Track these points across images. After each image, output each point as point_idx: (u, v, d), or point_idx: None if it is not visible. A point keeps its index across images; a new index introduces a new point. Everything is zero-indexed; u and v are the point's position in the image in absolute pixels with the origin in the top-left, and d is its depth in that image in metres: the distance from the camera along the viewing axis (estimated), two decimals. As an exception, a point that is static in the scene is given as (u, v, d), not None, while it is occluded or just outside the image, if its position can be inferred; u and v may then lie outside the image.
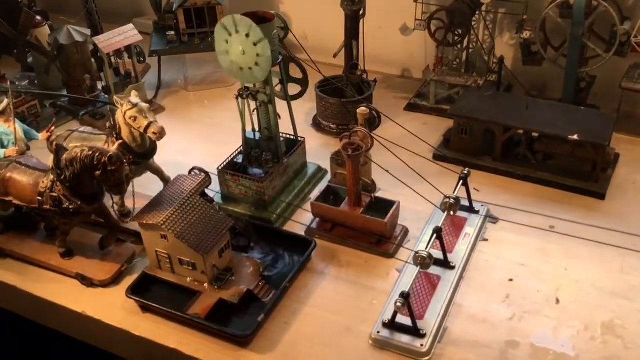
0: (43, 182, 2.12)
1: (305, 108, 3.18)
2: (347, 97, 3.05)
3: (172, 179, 2.39)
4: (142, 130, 2.17)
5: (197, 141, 3.06)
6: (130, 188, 2.29)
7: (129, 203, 2.45)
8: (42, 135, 2.43)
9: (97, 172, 2.00)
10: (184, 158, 2.90)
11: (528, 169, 2.63)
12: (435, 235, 2.13)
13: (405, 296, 1.90)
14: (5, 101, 2.36)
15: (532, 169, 2.62)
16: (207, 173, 2.27)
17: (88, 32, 3.16)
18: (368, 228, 2.30)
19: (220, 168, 2.49)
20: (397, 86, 3.44)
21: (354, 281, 2.22)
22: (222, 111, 3.26)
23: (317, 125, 3.09)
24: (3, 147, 2.33)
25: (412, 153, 2.44)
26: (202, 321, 2.03)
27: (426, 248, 2.05)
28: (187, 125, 3.19)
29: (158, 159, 2.89)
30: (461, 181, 2.37)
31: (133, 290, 2.16)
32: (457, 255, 2.25)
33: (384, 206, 2.35)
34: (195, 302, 2.10)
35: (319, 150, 2.87)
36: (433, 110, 3.13)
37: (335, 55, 3.04)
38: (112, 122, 2.24)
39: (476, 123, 2.65)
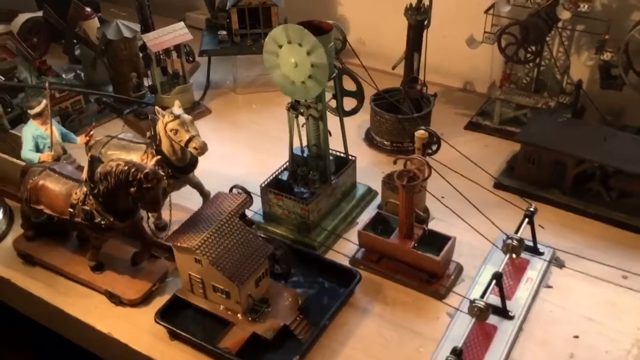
0: (76, 193, 2.00)
1: (358, 120, 2.97)
2: (403, 112, 2.84)
3: (211, 194, 2.25)
4: (183, 144, 2.02)
5: (242, 149, 2.90)
6: (167, 200, 2.16)
7: (165, 215, 2.31)
8: (80, 139, 2.31)
9: (132, 189, 1.87)
10: (227, 167, 2.76)
11: (601, 207, 2.37)
12: (494, 281, 1.92)
13: (457, 353, 1.70)
14: (44, 102, 2.23)
15: (605, 208, 2.37)
16: (248, 193, 2.11)
17: (137, 27, 3.03)
18: (419, 264, 2.11)
19: (263, 185, 2.32)
20: (458, 101, 3.21)
21: (399, 323, 2.02)
22: (270, 118, 3.09)
23: (369, 140, 2.90)
24: (38, 150, 2.21)
25: (469, 180, 2.22)
26: (232, 357, 1.87)
27: (483, 296, 1.85)
28: (232, 131, 3.04)
29: (200, 167, 2.77)
30: (526, 219, 2.14)
31: (162, 315, 2.01)
32: (517, 303, 2.03)
33: (438, 241, 2.14)
34: (227, 335, 1.95)
35: (369, 169, 2.68)
36: (496, 131, 2.89)
37: (394, 67, 2.84)
38: (152, 133, 2.10)
39: (545, 152, 2.41)
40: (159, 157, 1.91)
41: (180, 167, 2.14)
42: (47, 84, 2.25)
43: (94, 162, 1.92)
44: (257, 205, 2.34)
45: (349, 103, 2.40)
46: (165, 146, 2.09)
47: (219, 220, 1.98)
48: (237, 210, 2.03)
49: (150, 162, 1.89)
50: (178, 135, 2.02)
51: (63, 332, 2.26)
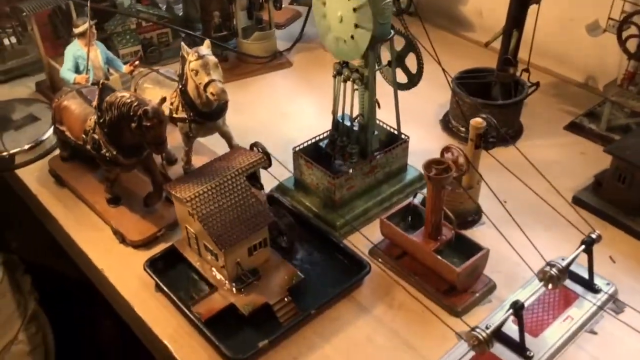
0: (91, 119, 1.93)
1: (441, 98, 2.65)
2: (492, 97, 2.48)
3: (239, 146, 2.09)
4: (201, 87, 1.87)
5: (307, 109, 2.70)
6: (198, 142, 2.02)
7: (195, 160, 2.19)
8: (125, 68, 2.24)
9: (133, 124, 1.75)
10: (282, 125, 2.60)
11: (696, 251, 1.90)
12: (512, 311, 1.58)
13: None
14: (86, 24, 2.17)
15: (701, 254, 1.89)
16: (267, 154, 1.91)
17: (232, -35, 2.90)
18: (438, 271, 1.80)
19: (296, 149, 2.11)
20: (569, 96, 2.75)
21: (397, 332, 1.75)
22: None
23: (445, 122, 2.56)
24: (78, 71, 2.17)
25: (548, 186, 1.85)
26: (200, 324, 1.72)
27: (490, 328, 1.53)
28: (305, 89, 2.85)
29: (250, 118, 2.63)
30: (583, 246, 1.75)
31: (152, 264, 1.91)
32: (543, 342, 1.67)
33: (470, 248, 1.82)
34: (205, 299, 1.80)
35: (431, 154, 2.35)
36: (600, 138, 2.43)
37: (487, 44, 2.47)
38: (181, 71, 1.96)
39: (639, 172, 1.96)
40: (163, 96, 1.76)
41: (204, 113, 1.99)
42: (89, 3, 2.16)
43: (105, 89, 1.83)
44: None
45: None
46: (190, 88, 1.95)
47: (223, 176, 1.81)
48: (247, 169, 1.85)
49: (154, 101, 1.75)
50: (198, 76, 1.87)
51: (71, 257, 2.24)
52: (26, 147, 2.42)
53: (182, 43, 1.92)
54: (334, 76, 2.00)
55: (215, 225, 1.74)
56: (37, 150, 2.42)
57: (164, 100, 1.76)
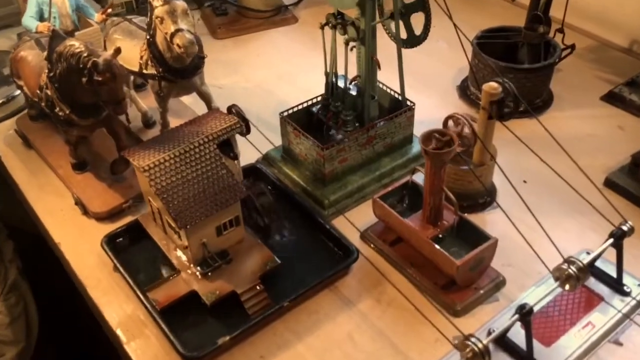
0: (45, 72, 1.68)
1: (461, 60, 2.32)
2: (519, 60, 2.16)
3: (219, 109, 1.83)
4: (167, 37, 1.61)
5: (308, 70, 2.40)
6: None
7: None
8: (97, 17, 1.98)
9: (84, 79, 1.50)
10: (278, 87, 2.34)
11: None
12: (518, 316, 1.30)
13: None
14: (51, -36, 1.92)
15: None
16: (244, 119, 1.64)
17: None
18: (435, 261, 1.53)
19: (284, 114, 1.84)
20: (610, 62, 2.41)
21: (382, 331, 1.50)
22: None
23: (462, 89, 2.26)
24: (42, 20, 1.93)
25: (573, 168, 1.53)
26: (155, 313, 1.49)
27: (491, 335, 1.26)
28: (307, 47, 2.56)
29: (248, 80, 2.36)
30: (611, 240, 1.45)
31: (111, 240, 1.68)
32: (557, 353, 1.40)
33: (475, 237, 1.54)
34: (165, 284, 1.57)
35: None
36: (641, 111, 2.10)
37: (514, -1, 2.14)
38: (149, 20, 1.70)
39: (686, 153, 1.64)
40: (117, 47, 1.50)
41: (175, 69, 1.73)
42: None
43: (55, 37, 1.57)
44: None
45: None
46: (159, 39, 1.69)
47: (190, 143, 1.55)
48: (218, 136, 1.58)
49: (107, 53, 1.49)
50: (164, 25, 1.61)
51: (36, 228, 2.03)
52: (-4, 103, 2.21)
53: (151, -15, 1.64)
54: (322, 27, 1.71)
55: (176, 199, 1.49)
56: (8, 108, 2.21)
57: (118, 51, 1.50)
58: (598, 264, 1.54)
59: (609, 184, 1.83)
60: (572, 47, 2.18)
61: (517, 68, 2.05)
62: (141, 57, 1.77)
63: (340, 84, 1.83)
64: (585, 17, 2.52)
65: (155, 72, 1.73)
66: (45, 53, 1.61)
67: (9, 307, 2.57)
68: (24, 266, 2.70)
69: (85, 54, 1.47)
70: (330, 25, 1.67)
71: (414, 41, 1.77)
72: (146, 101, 2.08)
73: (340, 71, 1.82)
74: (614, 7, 2.47)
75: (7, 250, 2.67)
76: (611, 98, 2.18)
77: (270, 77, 2.39)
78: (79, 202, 1.81)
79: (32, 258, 2.72)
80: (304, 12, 2.77)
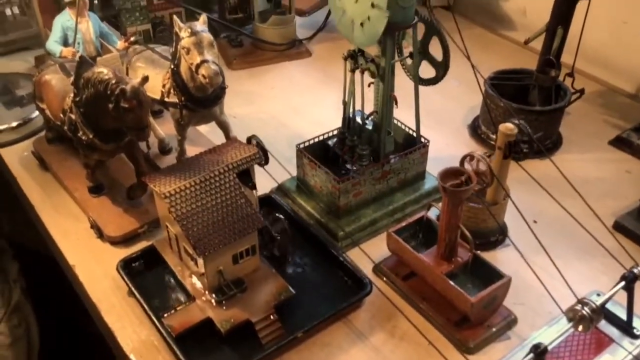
0: (70, 97, 1.71)
1: (473, 100, 2.38)
2: (530, 102, 2.21)
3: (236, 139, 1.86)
4: (193, 67, 1.65)
5: (324, 103, 2.45)
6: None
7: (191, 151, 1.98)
8: (120, 44, 2.03)
9: (110, 105, 1.53)
10: (293, 119, 2.38)
11: None
12: (532, 355, 1.31)
13: None
14: (79, -10, 1.96)
15: None
16: (263, 149, 1.67)
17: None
18: (449, 298, 1.55)
19: (300, 146, 1.87)
20: (618, 107, 2.46)
21: (396, 367, 1.51)
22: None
23: (474, 128, 2.30)
24: (66, 44, 1.97)
25: (585, 208, 1.56)
26: (170, 339, 1.50)
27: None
28: (321, 81, 2.61)
29: (264, 110, 2.40)
30: (623, 283, 1.47)
31: (127, 264, 1.69)
32: (568, 395, 1.41)
33: (489, 275, 1.56)
34: (181, 310, 1.58)
35: (457, 162, 2.10)
36: (649, 156, 2.14)
37: (527, 42, 2.19)
38: (174, 50, 1.74)
39: (695, 199, 1.68)
40: (145, 75, 1.53)
41: (197, 98, 1.77)
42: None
43: (83, 64, 1.61)
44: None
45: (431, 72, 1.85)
46: (183, 69, 1.73)
47: (210, 171, 1.58)
48: (238, 165, 1.61)
49: (135, 80, 1.52)
50: (190, 56, 1.65)
51: (49, 248, 2.05)
52: (14, 124, 2.24)
53: (175, 17, 1.69)
54: (345, 59, 1.75)
55: (196, 226, 1.51)
56: (24, 129, 2.24)
57: (146, 79, 1.53)
58: (608, 305, 1.56)
59: (618, 227, 1.86)
60: (582, 91, 2.24)
61: (529, 110, 2.09)
62: (163, 86, 1.81)
63: (357, 118, 1.87)
64: (594, 62, 2.58)
65: (178, 101, 1.76)
66: (72, 78, 1.65)
67: (11, 328, 2.57)
68: (28, 286, 2.70)
69: (113, 81, 1.51)
70: (355, 63, 1.71)
71: (431, 80, 1.82)
72: (163, 128, 2.11)
73: (357, 105, 1.85)
74: (621, 54, 2.53)
75: (12, 270, 2.67)
76: (619, 142, 2.23)
77: (284, 108, 2.43)
78: (94, 226, 1.83)
79: (37, 278, 2.72)
80: (317, 46, 2.82)
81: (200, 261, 1.54)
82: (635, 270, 1.48)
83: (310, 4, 3.02)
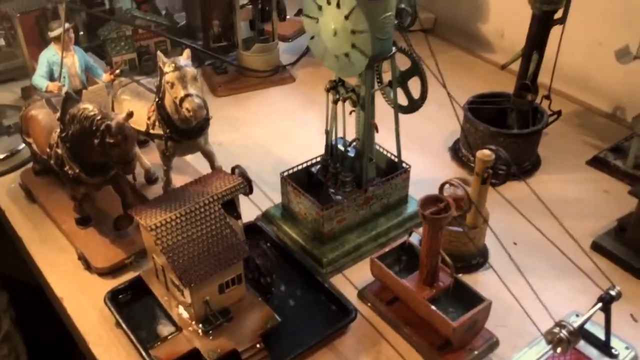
0: (56, 132, 1.74)
1: (453, 123, 2.42)
2: (508, 124, 2.26)
3: (221, 169, 1.90)
4: (177, 101, 1.68)
5: (308, 128, 2.48)
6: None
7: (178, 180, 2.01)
8: (105, 77, 2.06)
9: (96, 140, 1.56)
10: (281, 144, 2.40)
11: None
12: (512, 379, 1.35)
13: None
14: (61, 27, 2.00)
15: None
16: (247, 179, 1.71)
17: (237, -29, 2.72)
18: (432, 322, 1.58)
19: (284, 174, 1.91)
20: (595, 127, 2.51)
21: (381, 392, 1.53)
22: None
23: (454, 151, 2.34)
24: (52, 79, 2.00)
25: (561, 232, 1.60)
26: (157, 370, 1.52)
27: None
28: (305, 107, 2.64)
29: (249, 137, 2.44)
30: (600, 304, 1.51)
31: (114, 296, 1.71)
32: (548, 416, 1.44)
33: (470, 299, 1.60)
34: (168, 341, 1.60)
35: (438, 185, 2.14)
36: (626, 176, 2.19)
37: (503, 67, 2.25)
38: (158, 83, 1.78)
39: (669, 219, 1.72)
40: (130, 110, 1.57)
41: (182, 130, 1.80)
42: (65, 4, 1.99)
43: (69, 99, 1.64)
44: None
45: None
46: (167, 102, 1.77)
47: (195, 202, 1.61)
48: (223, 196, 1.64)
49: (120, 115, 1.56)
50: (174, 90, 1.69)
51: (33, 279, 2.06)
52: (1, 156, 2.25)
53: (159, 52, 1.73)
54: (327, 90, 1.79)
55: (182, 258, 1.54)
56: (11, 161, 2.25)
57: (130, 115, 1.57)
58: (587, 326, 1.59)
59: (597, 247, 1.91)
60: (559, 113, 2.29)
61: (507, 133, 2.14)
62: (149, 118, 1.84)
63: (339, 146, 1.91)
64: (572, 83, 2.64)
65: (162, 133, 1.80)
66: (58, 114, 1.68)
67: (1, 358, 2.57)
68: (18, 316, 2.70)
69: (98, 117, 1.54)
70: (337, 93, 1.75)
71: (411, 107, 1.86)
72: (149, 157, 2.14)
73: (339, 132, 1.89)
74: (598, 75, 2.59)
75: (2, 300, 2.67)
76: (596, 163, 2.28)
77: (269, 134, 2.46)
78: (82, 257, 1.85)
79: (27, 308, 2.72)
80: (301, 71, 2.87)
81: (187, 292, 1.56)
82: (612, 292, 1.52)
83: (293, 30, 3.07)
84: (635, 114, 2.33)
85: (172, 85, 1.68)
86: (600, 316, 1.57)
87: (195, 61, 2.79)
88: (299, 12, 2.91)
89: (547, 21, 2.04)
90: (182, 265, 1.53)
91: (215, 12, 2.73)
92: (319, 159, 1.96)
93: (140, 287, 1.74)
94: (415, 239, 1.76)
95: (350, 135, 1.91)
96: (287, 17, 2.75)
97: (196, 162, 2.16)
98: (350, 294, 1.75)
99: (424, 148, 2.36)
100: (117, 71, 2.03)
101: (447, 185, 1.60)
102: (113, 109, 1.95)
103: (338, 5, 1.55)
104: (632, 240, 1.84)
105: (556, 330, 1.42)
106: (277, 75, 2.74)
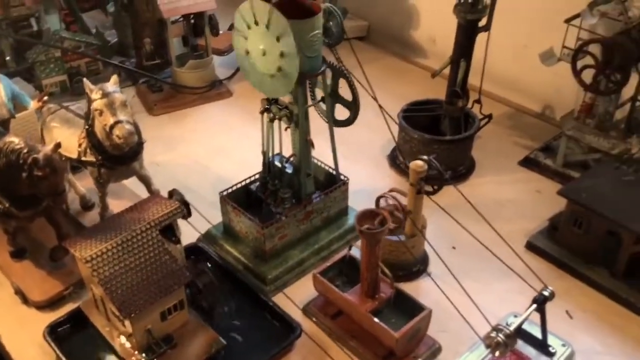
0: (-19, 166, 1.69)
1: (389, 131, 2.46)
2: (442, 131, 2.31)
3: (160, 193, 1.88)
4: (107, 128, 1.66)
5: (248, 143, 2.45)
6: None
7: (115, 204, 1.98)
8: (33, 104, 2.01)
9: (23, 174, 1.53)
10: (220, 161, 2.39)
11: (661, 305, 1.74)
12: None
13: None
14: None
15: (667, 308, 1.73)
16: (185, 203, 1.69)
17: (166, -12, 2.69)
18: (375, 334, 1.60)
19: (223, 194, 1.90)
20: (525, 127, 2.59)
21: (329, 407, 1.55)
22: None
23: (392, 159, 2.38)
24: (-24, 109, 1.94)
25: (500, 230, 1.63)
26: (100, 405, 1.50)
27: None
28: (244, 120, 2.63)
29: (187, 156, 2.42)
30: (534, 305, 1.56)
31: (53, 330, 1.67)
32: (491, 418, 1.48)
33: (411, 308, 1.63)
34: (111, 373, 1.57)
35: (379, 193, 2.16)
36: (557, 174, 2.27)
37: (434, 75, 2.30)
38: (87, 110, 1.74)
39: (596, 218, 1.79)
40: (58, 141, 1.54)
41: (114, 156, 1.77)
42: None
43: (-6, 134, 1.60)
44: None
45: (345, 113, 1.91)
46: (98, 128, 1.73)
47: (132, 230, 1.58)
48: (161, 222, 1.63)
49: (47, 147, 1.53)
50: (103, 117, 1.66)
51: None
52: None
53: (85, 79, 1.70)
54: (262, 113, 1.80)
55: (120, 288, 1.52)
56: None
57: (58, 145, 1.54)
58: (525, 326, 1.65)
59: (531, 247, 1.97)
60: (490, 116, 2.35)
61: (441, 140, 2.19)
62: (80, 145, 1.80)
63: (276, 162, 1.92)
64: (502, 85, 2.72)
65: (95, 160, 1.77)
66: (-18, 148, 1.63)
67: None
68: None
69: (25, 150, 1.50)
70: (267, 111, 1.76)
71: (345, 121, 1.88)
72: (83, 182, 2.09)
73: (276, 149, 1.90)
74: (525, 76, 2.68)
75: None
76: (528, 163, 2.35)
77: (207, 151, 2.45)
78: (18, 291, 1.80)
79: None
80: (237, 85, 2.86)
81: (127, 322, 1.54)
82: (545, 293, 1.57)
83: (228, 43, 3.05)
84: (563, 112, 2.43)
85: (101, 113, 1.65)
86: (538, 315, 1.62)
87: (129, 80, 2.79)
88: (232, 27, 2.89)
89: (472, 29, 2.10)
90: (121, 296, 1.51)
91: (146, 29, 2.69)
92: (257, 176, 1.96)
93: (80, 319, 1.71)
94: (355, 252, 1.78)
95: (288, 150, 1.91)
96: (220, 31, 2.74)
97: (133, 186, 2.12)
98: (296, 310, 1.75)
99: (363, 156, 2.39)
100: (45, 97, 1.98)
101: (382, 199, 1.63)
102: (42, 137, 1.90)
103: (267, 27, 1.55)
104: (564, 239, 1.91)
105: (493, 334, 1.46)
106: (214, 90, 2.73)
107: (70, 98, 2.63)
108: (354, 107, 1.82)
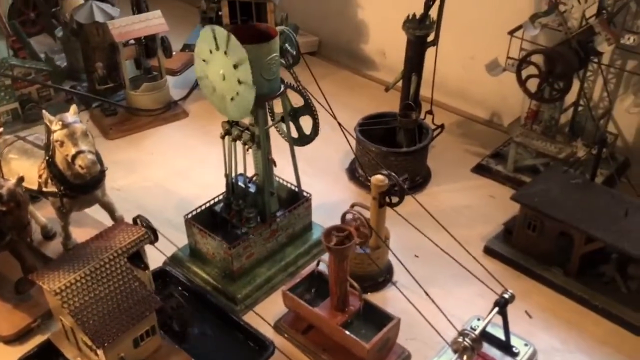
0: (-59, 203, 1.66)
1: (347, 144, 2.52)
2: (398, 142, 2.38)
3: (124, 219, 1.88)
4: (69, 159, 1.66)
5: (208, 162, 2.49)
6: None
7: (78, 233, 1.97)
8: (-13, 136, 1.98)
9: (-13, 210, 1.51)
10: (181, 183, 2.39)
11: (612, 300, 1.83)
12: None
13: None
14: None
15: (617, 302, 1.83)
16: (152, 229, 1.70)
17: (116, 12, 2.69)
18: (347, 346, 1.65)
19: (188, 216, 1.92)
20: (476, 135, 2.69)
21: (305, 421, 1.58)
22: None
23: (351, 171, 2.44)
24: None
25: (459, 237, 1.71)
26: None
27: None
28: (204, 140, 2.65)
29: (147, 179, 2.42)
30: (496, 309, 1.63)
31: (24, 362, 1.66)
32: (462, 419, 1.54)
33: (380, 318, 1.68)
34: (85, 403, 1.57)
35: (340, 207, 2.20)
36: (508, 180, 2.37)
37: (387, 89, 2.37)
38: (47, 141, 1.74)
39: (548, 221, 1.89)
40: (20, 176, 1.53)
41: (76, 185, 1.77)
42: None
43: (-48, 170, 1.58)
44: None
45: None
46: (59, 159, 1.73)
47: (100, 259, 1.59)
48: (128, 249, 1.63)
49: (9, 183, 1.52)
50: (64, 148, 1.66)
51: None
52: None
53: (44, 111, 1.70)
54: (222, 137, 1.83)
55: (91, 318, 1.51)
56: None
57: (21, 179, 1.53)
58: (489, 329, 1.72)
59: (488, 251, 2.05)
60: (442, 126, 2.43)
61: (397, 152, 2.26)
62: (40, 176, 1.79)
63: (240, 183, 1.95)
64: (453, 95, 2.82)
65: (56, 190, 1.76)
66: (-58, 184, 1.61)
67: None
68: None
69: (-13, 186, 1.49)
70: (231, 135, 1.79)
71: (305, 140, 1.93)
72: (43, 212, 2.07)
73: (240, 168, 1.93)
74: (474, 86, 2.78)
75: None
76: (480, 170, 2.44)
77: (167, 174, 2.45)
78: (-16, 327, 1.77)
79: None
80: (193, 105, 2.87)
81: (100, 351, 1.54)
82: (506, 295, 1.64)
83: (181, 62, 3.07)
84: (510, 119, 2.54)
85: (62, 144, 1.65)
86: (500, 317, 1.70)
87: (82, 104, 2.77)
88: (185, 48, 2.91)
89: (421, 45, 2.18)
90: (93, 326, 1.51)
91: (97, 53, 2.67)
92: (221, 197, 1.98)
93: (50, 351, 1.69)
94: (323, 266, 1.83)
95: (251, 170, 1.94)
96: (173, 52, 2.75)
97: (95, 213, 2.11)
98: (267, 327, 1.78)
99: (323, 171, 2.44)
100: (0, 129, 1.96)
101: (348, 214, 1.68)
102: (1, 169, 1.88)
103: (226, 53, 1.59)
104: (519, 242, 2.00)
105: (460, 339, 1.52)
106: (169, 111, 2.73)
107: (22, 126, 2.61)
108: (313, 127, 1.87)
